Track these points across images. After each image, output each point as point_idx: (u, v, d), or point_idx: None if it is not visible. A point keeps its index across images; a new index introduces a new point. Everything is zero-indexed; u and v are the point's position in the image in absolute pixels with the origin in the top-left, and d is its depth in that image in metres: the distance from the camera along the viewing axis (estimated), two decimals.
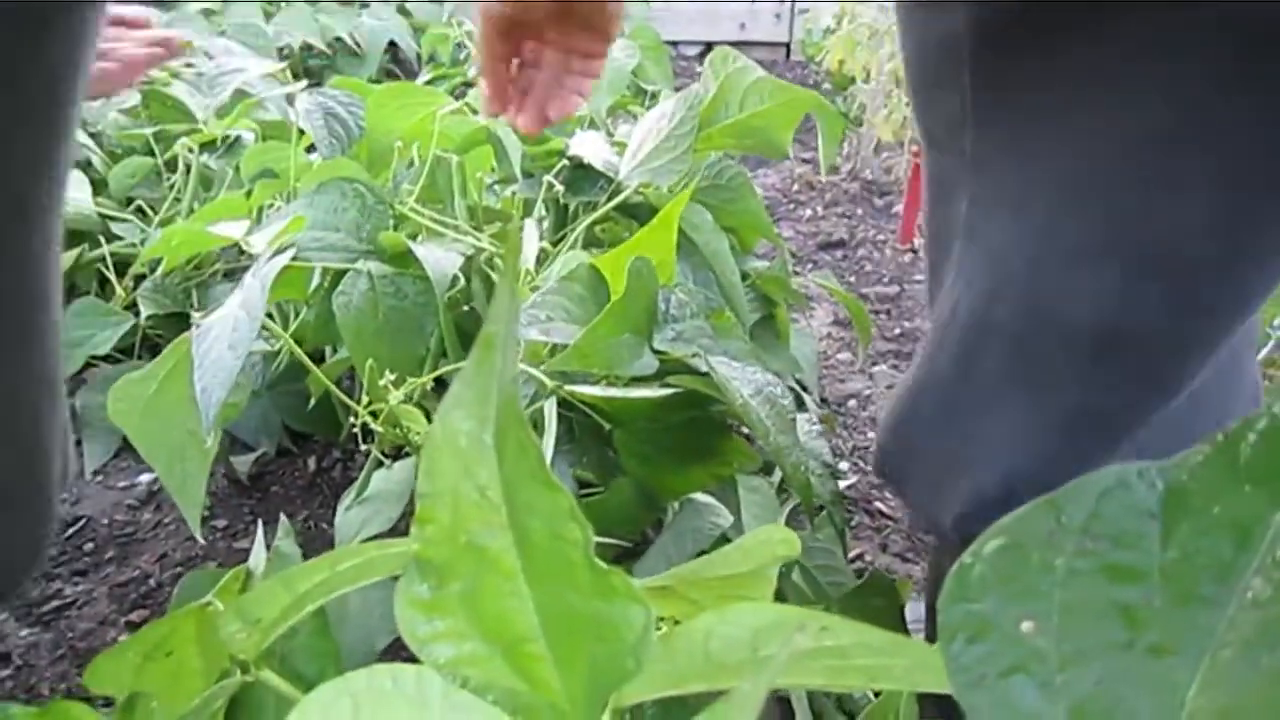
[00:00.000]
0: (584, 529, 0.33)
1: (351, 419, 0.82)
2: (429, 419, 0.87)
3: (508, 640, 0.36)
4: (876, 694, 0.81)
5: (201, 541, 1.29)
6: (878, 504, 1.43)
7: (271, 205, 1.33)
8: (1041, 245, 0.63)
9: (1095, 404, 0.64)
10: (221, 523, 1.34)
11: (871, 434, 1.63)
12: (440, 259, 0.93)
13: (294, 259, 0.90)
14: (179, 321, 1.53)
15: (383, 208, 1.01)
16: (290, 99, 1.62)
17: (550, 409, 0.74)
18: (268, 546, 0.67)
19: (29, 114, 0.54)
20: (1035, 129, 0.63)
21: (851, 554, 1.27)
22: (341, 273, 0.95)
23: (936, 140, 0.72)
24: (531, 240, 1.00)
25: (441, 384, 0.93)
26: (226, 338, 0.66)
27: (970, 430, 0.68)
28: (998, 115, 0.65)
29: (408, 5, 3.20)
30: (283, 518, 0.65)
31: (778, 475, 1.10)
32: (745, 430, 0.85)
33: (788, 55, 4.98)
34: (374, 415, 0.84)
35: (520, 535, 0.35)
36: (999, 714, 0.27)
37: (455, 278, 0.99)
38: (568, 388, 0.71)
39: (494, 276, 1.01)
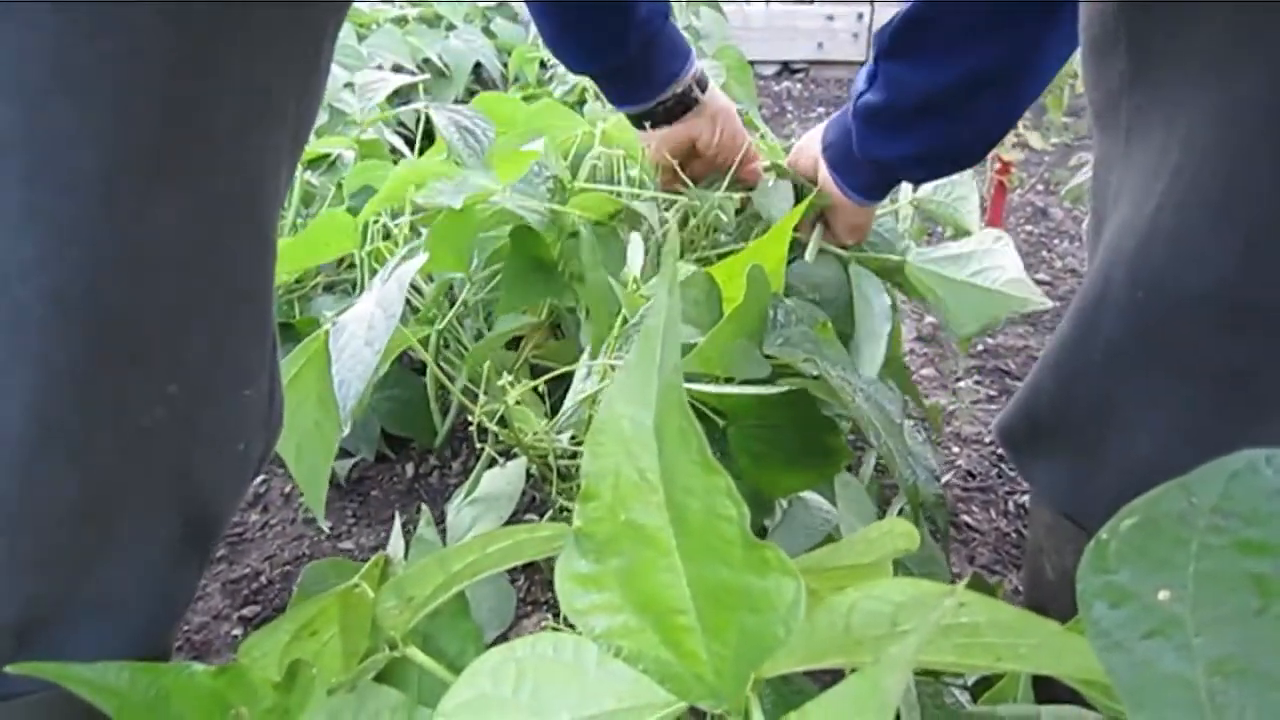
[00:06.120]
0: (739, 506, 0.36)
1: (468, 416, 0.86)
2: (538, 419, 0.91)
3: (659, 613, 0.39)
4: (973, 698, 0.82)
5: (317, 536, 1.34)
6: (964, 517, 1.43)
7: (376, 221, 1.38)
8: (1167, 215, 0.63)
9: (1236, 375, 0.63)
10: (325, 524, 1.38)
11: (956, 448, 1.64)
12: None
13: (501, 208, 1.06)
14: (281, 330, 1.59)
15: (564, 189, 1.16)
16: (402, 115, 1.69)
17: None
18: (401, 538, 0.71)
19: None
20: (1178, 98, 0.63)
21: None
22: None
23: (1100, 115, 0.72)
24: (638, 251, 1.03)
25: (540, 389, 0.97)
26: (363, 334, 0.70)
27: (1111, 408, 0.69)
28: (1150, 87, 0.66)
29: (492, 27, 3.28)
30: (424, 508, 0.69)
31: (863, 473, 1.12)
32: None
33: None
34: (488, 416, 0.87)
35: (676, 514, 0.38)
36: (1138, 674, 0.29)
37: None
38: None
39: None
